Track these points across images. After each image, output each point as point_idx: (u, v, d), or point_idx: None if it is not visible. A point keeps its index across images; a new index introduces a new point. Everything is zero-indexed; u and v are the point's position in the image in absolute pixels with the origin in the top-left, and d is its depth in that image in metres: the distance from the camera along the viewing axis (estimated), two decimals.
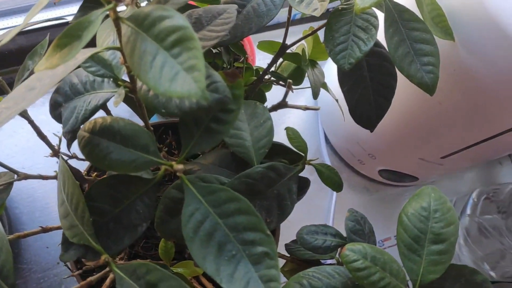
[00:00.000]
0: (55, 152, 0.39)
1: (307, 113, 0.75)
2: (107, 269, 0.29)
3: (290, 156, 0.40)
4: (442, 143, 0.50)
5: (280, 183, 0.36)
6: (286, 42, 0.40)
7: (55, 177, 0.39)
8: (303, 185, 0.42)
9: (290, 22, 0.40)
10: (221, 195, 0.26)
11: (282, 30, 0.41)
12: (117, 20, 0.25)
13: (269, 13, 0.36)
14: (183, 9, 0.31)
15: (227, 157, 0.38)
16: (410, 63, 0.34)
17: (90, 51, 0.26)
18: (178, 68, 0.22)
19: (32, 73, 0.35)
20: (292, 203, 0.37)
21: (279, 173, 0.36)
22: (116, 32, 0.26)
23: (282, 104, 0.38)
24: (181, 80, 0.22)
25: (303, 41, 0.43)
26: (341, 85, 0.37)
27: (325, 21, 0.37)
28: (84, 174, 0.44)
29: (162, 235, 0.33)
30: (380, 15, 0.35)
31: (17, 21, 0.67)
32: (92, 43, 0.33)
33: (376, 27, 0.34)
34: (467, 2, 0.35)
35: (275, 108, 0.38)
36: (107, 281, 0.33)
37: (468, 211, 0.62)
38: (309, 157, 0.74)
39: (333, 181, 0.38)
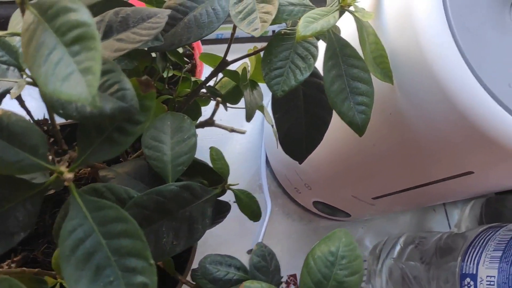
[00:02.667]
0: None
1: (253, 133, 0.74)
2: None
3: (213, 177, 0.38)
4: (374, 184, 0.50)
5: (194, 205, 0.34)
6: (227, 58, 0.39)
7: None
8: (223, 209, 0.40)
9: (238, 39, 0.39)
10: (110, 213, 0.24)
11: (242, 45, 0.40)
12: (22, 5, 0.23)
13: (210, 26, 0.35)
14: (110, 5, 0.29)
15: (144, 169, 0.36)
16: (344, 100, 0.33)
17: None
18: (73, 68, 0.20)
19: None
20: (204, 228, 0.35)
21: (194, 194, 0.34)
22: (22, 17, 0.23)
23: (209, 122, 0.36)
24: (74, 81, 0.19)
25: (247, 60, 0.42)
26: (273, 111, 0.36)
27: None
28: None
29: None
30: (322, 46, 0.34)
31: None
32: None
33: (314, 57, 0.33)
34: (408, 48, 0.34)
35: (202, 125, 0.37)
36: None
37: (395, 255, 0.61)
38: (248, 178, 0.72)
39: (251, 210, 0.36)
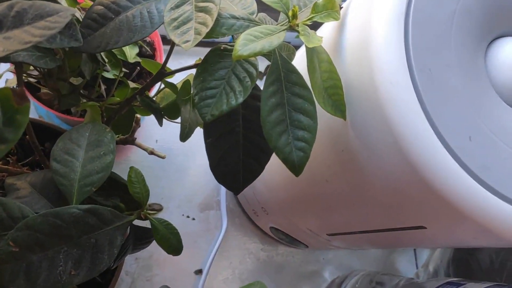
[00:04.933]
0: None
1: None
2: None
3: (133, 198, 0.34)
4: (327, 220, 0.45)
5: (101, 232, 0.30)
6: (166, 67, 0.34)
7: None
8: (143, 236, 0.36)
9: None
10: None
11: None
12: None
13: (142, 30, 0.31)
14: None
15: (51, 184, 0.32)
16: (281, 133, 0.29)
17: None
18: None
19: None
20: (110, 258, 0.30)
21: (102, 220, 0.30)
22: None
23: (129, 140, 0.32)
24: None
25: (193, 71, 0.37)
26: (205, 135, 0.31)
27: None
28: None
29: None
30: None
31: None
32: None
33: (253, 80, 0.29)
34: (362, 83, 0.30)
35: (122, 142, 0.32)
36: None
37: None
38: (206, 192, 0.68)
39: (169, 244, 0.32)
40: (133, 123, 0.31)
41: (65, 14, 0.24)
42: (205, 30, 0.28)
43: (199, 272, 0.62)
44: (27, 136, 0.35)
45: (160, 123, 0.35)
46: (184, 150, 0.66)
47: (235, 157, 0.32)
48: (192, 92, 0.29)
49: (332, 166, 0.36)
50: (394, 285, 0.52)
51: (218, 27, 0.29)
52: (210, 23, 0.28)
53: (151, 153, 0.32)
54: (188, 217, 0.64)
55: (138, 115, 0.30)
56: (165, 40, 0.61)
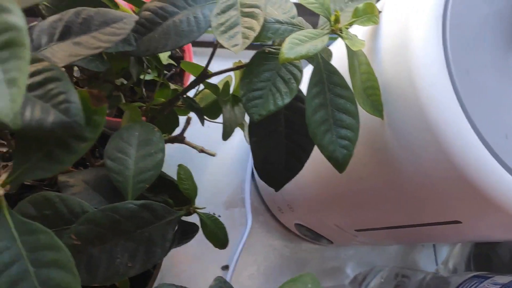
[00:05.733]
0: None
1: (242, 144, 0.71)
2: None
3: (182, 196, 0.35)
4: (357, 216, 0.47)
5: (154, 226, 0.32)
6: (208, 69, 0.36)
7: None
8: (189, 230, 0.37)
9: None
10: (41, 238, 0.21)
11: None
12: None
13: (190, 35, 0.32)
14: (74, 4, 0.26)
15: (105, 181, 0.33)
16: (326, 131, 0.30)
17: None
18: (1, 77, 0.17)
19: None
20: (164, 251, 0.32)
21: (155, 215, 0.31)
22: None
23: (179, 139, 0.33)
24: None
25: (232, 73, 0.39)
26: (250, 134, 0.33)
27: None
28: None
29: None
30: (309, 69, 0.31)
31: None
32: None
33: (298, 81, 0.30)
34: (401, 84, 0.31)
35: (171, 140, 0.34)
36: None
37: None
38: (230, 190, 0.69)
39: (216, 238, 0.34)
40: (186, 123, 0.32)
41: (129, 21, 0.26)
42: (253, 35, 0.29)
43: (225, 268, 0.63)
44: None
45: (202, 123, 0.37)
46: (210, 148, 0.68)
47: (278, 155, 0.34)
48: (239, 93, 0.30)
49: (368, 164, 0.38)
50: (420, 279, 0.53)
51: (264, 32, 0.30)
52: (258, 28, 0.29)
53: (201, 151, 0.33)
54: (214, 214, 0.66)
55: (189, 116, 0.32)
56: (194, 43, 0.62)
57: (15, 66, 0.17)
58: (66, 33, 0.24)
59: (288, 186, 0.55)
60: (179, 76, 0.55)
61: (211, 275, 0.64)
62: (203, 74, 0.35)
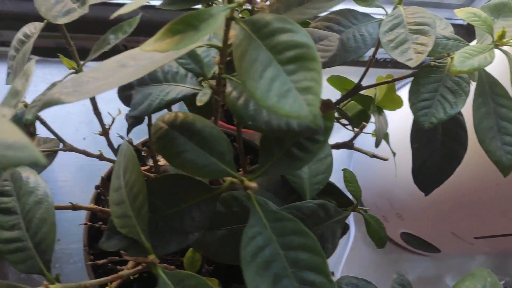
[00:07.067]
0: (105, 132, 0.37)
1: (340, 154, 0.74)
2: (139, 267, 0.28)
3: (340, 199, 0.38)
4: (483, 224, 0.48)
5: (326, 224, 0.35)
6: (361, 83, 0.39)
7: (98, 157, 0.38)
8: (344, 231, 0.40)
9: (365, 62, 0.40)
10: (288, 225, 0.25)
11: (355, 68, 0.40)
12: (230, 20, 0.24)
13: (357, 50, 0.35)
14: None
15: (277, 183, 0.37)
16: (492, 138, 0.33)
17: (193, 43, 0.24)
18: (290, 86, 0.21)
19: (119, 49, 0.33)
20: (334, 247, 0.35)
21: (328, 214, 0.35)
22: (224, 31, 0.25)
23: (349, 145, 0.37)
24: (292, 99, 0.20)
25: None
26: (412, 141, 0.36)
27: (406, 71, 0.36)
28: None
29: (194, 244, 0.31)
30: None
31: None
32: None
33: (466, 94, 0.33)
34: None
35: (339, 146, 0.37)
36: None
37: None
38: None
39: (378, 236, 0.37)
40: (359, 129, 0.35)
41: (333, 38, 0.30)
42: (427, 50, 0.32)
43: (332, 274, 0.66)
44: (235, 143, 0.41)
45: (353, 130, 0.40)
46: None
47: (435, 161, 0.36)
48: (409, 103, 0.33)
49: None
50: None
51: (435, 47, 0.33)
52: (431, 44, 0.32)
53: (373, 156, 0.36)
54: None
55: (365, 123, 0.35)
56: None
57: (305, 77, 0.21)
58: None
59: (401, 195, 0.57)
60: None
61: None
62: (358, 87, 0.39)
